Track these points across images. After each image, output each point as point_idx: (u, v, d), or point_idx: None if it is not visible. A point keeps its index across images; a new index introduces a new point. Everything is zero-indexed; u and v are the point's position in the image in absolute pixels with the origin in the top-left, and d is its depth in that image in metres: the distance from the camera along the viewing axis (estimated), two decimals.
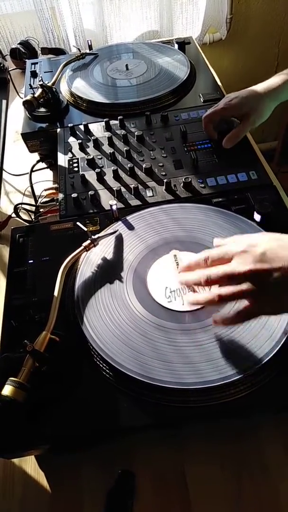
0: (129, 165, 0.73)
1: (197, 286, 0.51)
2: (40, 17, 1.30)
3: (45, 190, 0.80)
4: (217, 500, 0.46)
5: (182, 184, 0.69)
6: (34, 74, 1.00)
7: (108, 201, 0.65)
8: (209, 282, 0.45)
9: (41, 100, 0.85)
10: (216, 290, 0.45)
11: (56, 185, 0.78)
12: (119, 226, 0.63)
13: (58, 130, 0.84)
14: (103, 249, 0.60)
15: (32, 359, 0.45)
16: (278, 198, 0.65)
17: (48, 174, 0.87)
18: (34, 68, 1.04)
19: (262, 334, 0.48)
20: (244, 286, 0.43)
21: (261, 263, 0.42)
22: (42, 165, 0.87)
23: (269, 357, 0.46)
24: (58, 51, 1.19)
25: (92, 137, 0.79)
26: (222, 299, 0.44)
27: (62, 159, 0.77)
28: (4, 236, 0.77)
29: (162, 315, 0.52)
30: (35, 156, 0.89)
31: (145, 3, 1.36)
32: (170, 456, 0.49)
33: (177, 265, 0.56)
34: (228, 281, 0.44)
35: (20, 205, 0.77)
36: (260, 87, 0.76)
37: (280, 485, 0.47)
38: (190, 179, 0.69)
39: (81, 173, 0.73)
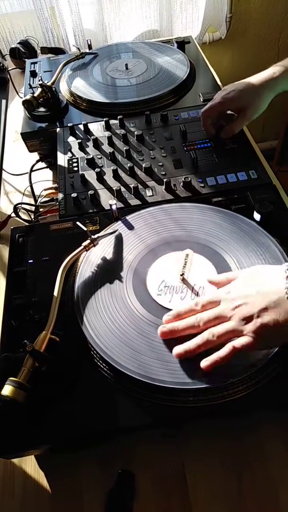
0: (128, 164, 0.72)
1: (185, 332, 0.49)
2: (39, 16, 1.30)
3: (45, 189, 0.80)
4: (218, 499, 0.46)
5: (181, 184, 0.69)
6: (33, 74, 1.00)
7: (108, 201, 0.64)
8: (202, 323, 0.48)
9: (41, 99, 0.85)
10: (209, 330, 0.47)
11: (55, 185, 0.78)
12: (118, 226, 0.63)
13: (58, 129, 0.84)
14: (103, 249, 0.60)
15: (32, 359, 0.45)
16: (278, 198, 0.65)
17: (48, 173, 0.87)
18: (34, 67, 1.04)
19: None
20: (235, 322, 0.46)
21: (243, 299, 0.46)
22: (41, 164, 0.87)
23: (269, 357, 0.46)
24: (58, 51, 1.19)
25: (92, 137, 0.79)
26: (217, 337, 0.46)
27: (62, 159, 0.77)
28: (4, 236, 0.77)
29: (162, 315, 0.52)
30: (35, 156, 0.89)
31: (144, 2, 1.36)
32: (170, 456, 0.49)
33: (185, 264, 0.56)
34: (219, 321, 0.47)
35: (19, 205, 0.77)
36: (255, 79, 0.76)
37: (280, 482, 0.47)
38: (189, 179, 0.69)
39: (80, 172, 0.73)
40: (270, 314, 0.43)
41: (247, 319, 0.45)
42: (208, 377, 0.45)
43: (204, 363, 0.45)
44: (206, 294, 0.52)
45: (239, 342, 0.45)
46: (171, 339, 0.49)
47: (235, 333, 0.45)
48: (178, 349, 0.47)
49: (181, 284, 0.54)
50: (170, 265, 0.57)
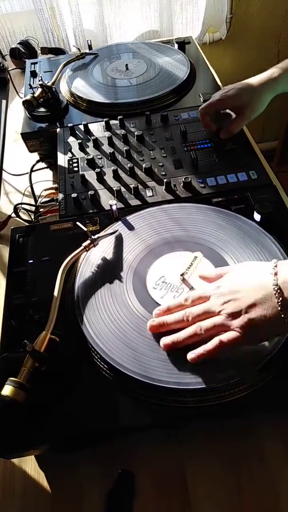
0: (129, 165, 0.73)
1: (174, 326, 0.49)
2: (39, 17, 1.30)
3: (45, 190, 0.80)
4: (218, 499, 0.46)
5: (182, 184, 0.69)
6: (33, 74, 1.00)
7: (108, 201, 0.65)
8: (191, 317, 0.48)
9: (41, 100, 0.85)
10: (197, 323, 0.47)
11: (56, 185, 0.78)
12: (119, 226, 0.63)
13: (58, 130, 0.84)
14: (103, 249, 0.60)
15: (32, 359, 0.45)
16: (278, 198, 0.65)
17: (48, 174, 0.87)
18: (34, 68, 1.04)
19: None
20: (223, 317, 0.46)
21: (232, 295, 0.46)
22: (42, 165, 0.87)
23: (269, 357, 0.46)
24: (58, 51, 1.19)
25: (92, 137, 0.79)
26: (204, 330, 0.46)
27: (62, 159, 0.77)
28: (4, 236, 0.77)
29: None
30: (35, 156, 0.89)
31: (145, 2, 1.36)
32: (169, 456, 0.49)
33: (190, 265, 0.56)
34: (208, 316, 0.48)
35: (20, 205, 0.77)
36: (255, 79, 0.76)
37: (279, 482, 0.47)
38: (190, 179, 0.69)
39: (81, 173, 0.73)
40: (258, 310, 0.44)
41: (235, 315, 0.45)
42: (204, 377, 0.45)
43: (191, 355, 0.46)
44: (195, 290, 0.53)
45: (226, 336, 0.45)
46: (161, 333, 0.49)
47: (223, 328, 0.46)
48: (166, 339, 0.48)
49: (179, 284, 0.54)
50: (176, 263, 0.57)
